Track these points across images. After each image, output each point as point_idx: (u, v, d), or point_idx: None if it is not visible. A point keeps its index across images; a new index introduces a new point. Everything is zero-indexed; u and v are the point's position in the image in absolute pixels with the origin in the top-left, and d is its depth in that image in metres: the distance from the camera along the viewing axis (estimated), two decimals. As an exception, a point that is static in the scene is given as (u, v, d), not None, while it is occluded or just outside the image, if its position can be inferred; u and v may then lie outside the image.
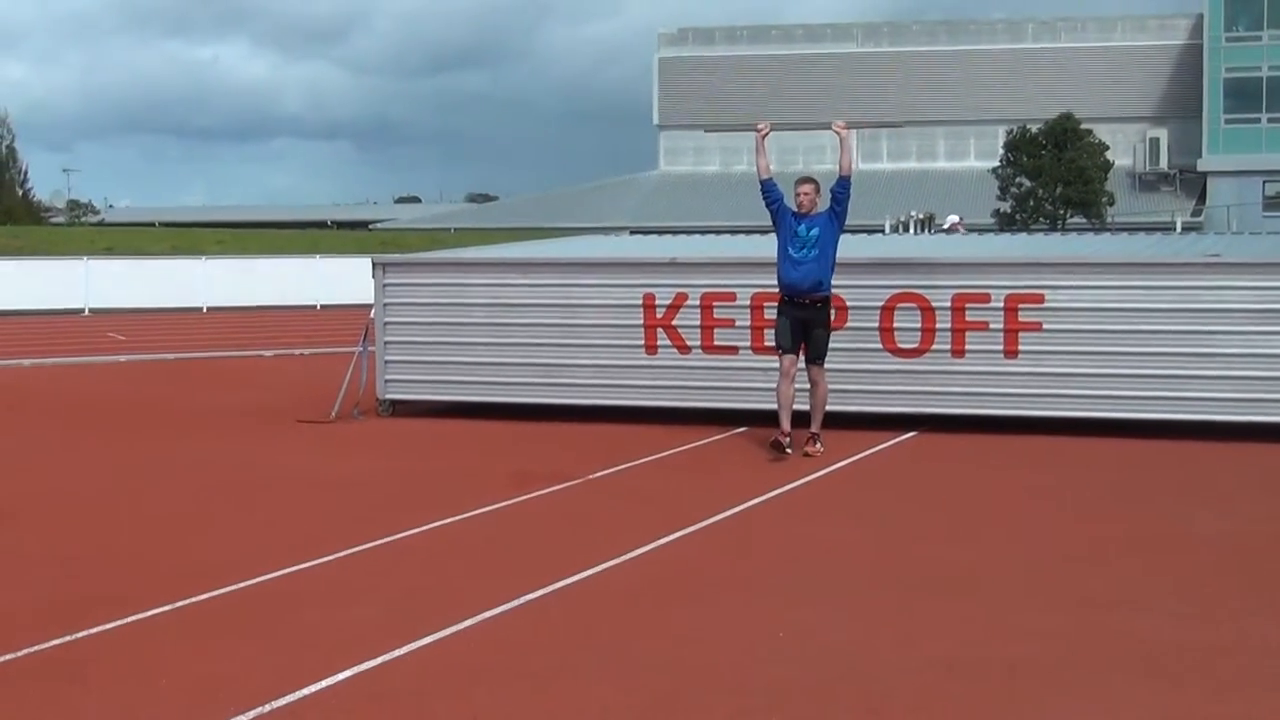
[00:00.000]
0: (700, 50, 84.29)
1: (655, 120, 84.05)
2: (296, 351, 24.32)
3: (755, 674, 6.26)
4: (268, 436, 14.06)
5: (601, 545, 8.75)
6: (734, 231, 26.93)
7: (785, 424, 12.10)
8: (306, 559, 8.43)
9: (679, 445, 12.90)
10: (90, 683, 6.21)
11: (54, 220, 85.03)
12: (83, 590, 7.88)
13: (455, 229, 70.96)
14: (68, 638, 6.82)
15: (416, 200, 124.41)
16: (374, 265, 15.47)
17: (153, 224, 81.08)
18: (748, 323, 13.93)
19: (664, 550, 8.80)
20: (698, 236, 20.62)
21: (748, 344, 13.95)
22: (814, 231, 12.10)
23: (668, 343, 14.23)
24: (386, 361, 15.13)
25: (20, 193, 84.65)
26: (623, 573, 8.24)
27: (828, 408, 12.46)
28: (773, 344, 12.82)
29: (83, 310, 36.07)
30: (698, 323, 14.12)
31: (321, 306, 36.19)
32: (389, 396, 15.16)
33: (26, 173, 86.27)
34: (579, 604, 7.58)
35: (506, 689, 6.07)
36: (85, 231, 67.34)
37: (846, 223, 12.51)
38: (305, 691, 5.98)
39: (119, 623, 7.11)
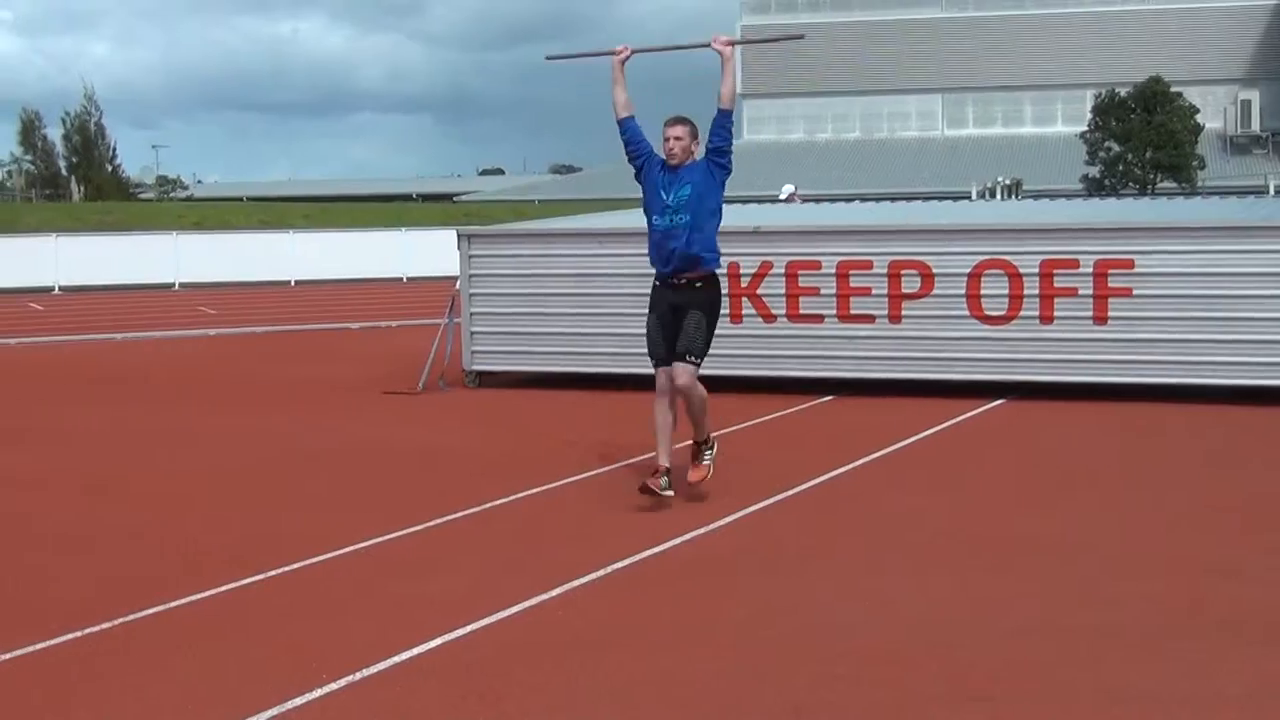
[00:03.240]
0: (783, 17, 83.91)
1: (739, 89, 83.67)
2: (383, 324, 24.47)
3: (837, 642, 6.23)
4: (355, 408, 14.16)
5: (684, 515, 8.75)
6: (818, 199, 26.81)
7: (662, 457, 9.10)
8: (394, 529, 8.48)
9: (763, 415, 12.86)
10: (188, 650, 6.29)
11: (143, 196, 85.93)
12: (171, 562, 7.98)
13: (539, 200, 71.18)
14: (161, 607, 6.91)
15: (500, 172, 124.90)
16: (459, 237, 15.50)
17: (240, 199, 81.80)
18: (833, 291, 13.86)
19: (747, 520, 8.78)
20: (782, 204, 20.53)
21: (833, 312, 13.87)
22: (685, 190, 9.02)
23: (752, 311, 14.17)
24: (472, 333, 15.19)
25: (110, 169, 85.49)
26: (706, 543, 8.23)
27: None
28: (860, 312, 12.71)
29: (173, 285, 36.46)
30: (783, 291, 14.06)
31: (407, 279, 36.35)
32: (475, 368, 15.22)
33: (115, 149, 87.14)
34: (662, 574, 7.58)
35: (591, 658, 6.08)
36: (174, 207, 68.02)
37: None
38: (395, 660, 6.03)
39: (209, 593, 7.19)
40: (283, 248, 39.31)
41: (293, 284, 36.79)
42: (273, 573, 7.57)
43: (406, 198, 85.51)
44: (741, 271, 14.10)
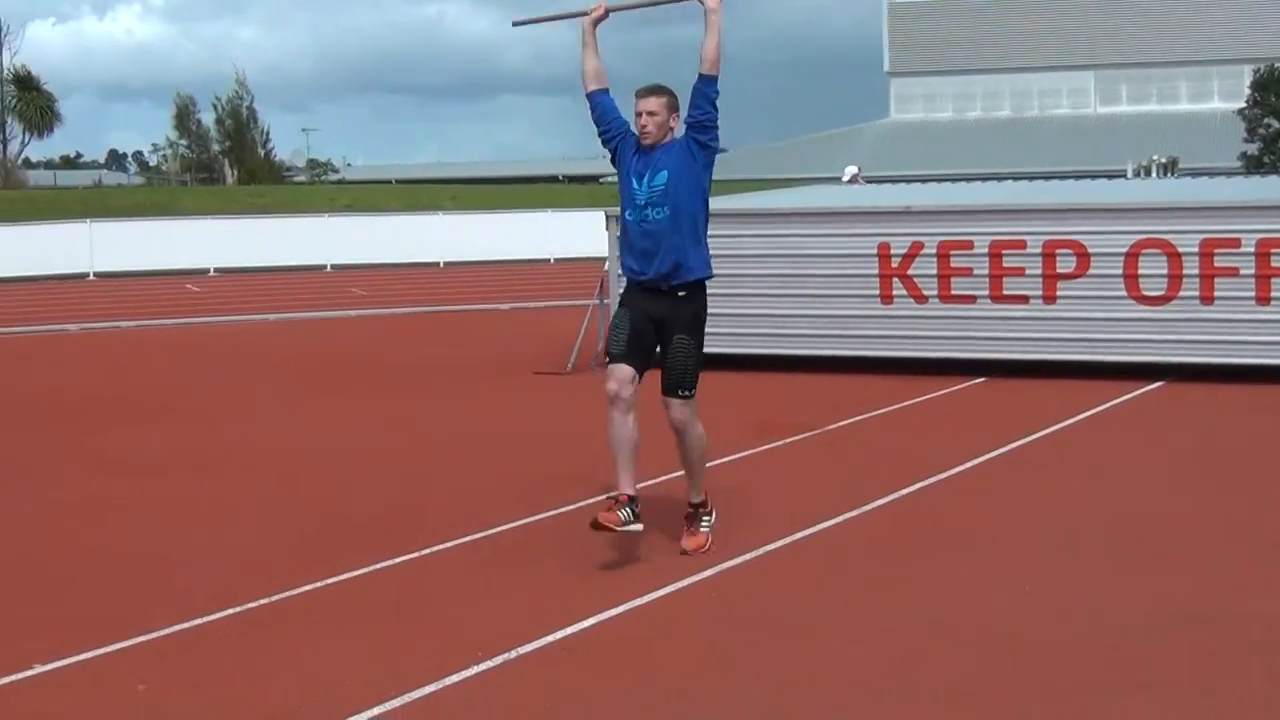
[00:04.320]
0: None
1: (886, 68, 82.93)
2: (531, 305, 24.61)
3: (994, 628, 6.17)
4: (506, 389, 14.27)
5: (840, 497, 8.71)
6: (969, 178, 26.51)
7: (623, 482, 7.35)
8: (541, 510, 8.55)
9: (916, 396, 12.75)
10: (343, 624, 6.40)
11: (295, 179, 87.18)
12: (325, 540, 8.11)
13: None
14: (317, 584, 7.03)
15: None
16: (607, 218, 15.43)
17: (389, 181, 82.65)
18: (986, 271, 13.67)
19: (902, 503, 8.72)
20: (932, 184, 20.32)
21: (986, 293, 13.69)
22: (661, 176, 7.31)
23: (904, 292, 14.03)
24: (621, 313, 15.17)
25: (262, 153, 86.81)
26: (861, 526, 8.20)
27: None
28: (1014, 292, 12.46)
29: (325, 267, 36.98)
30: (934, 272, 13.90)
31: (555, 260, 36.50)
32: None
33: (268, 133, 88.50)
34: (817, 556, 7.57)
35: (746, 639, 6.08)
36: (325, 190, 68.86)
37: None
38: (550, 638, 6.08)
39: (364, 570, 7.31)
40: (431, 230, 39.64)
41: (441, 265, 37.12)
42: (425, 551, 7.68)
43: (553, 179, 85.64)
44: (892, 252, 13.97)
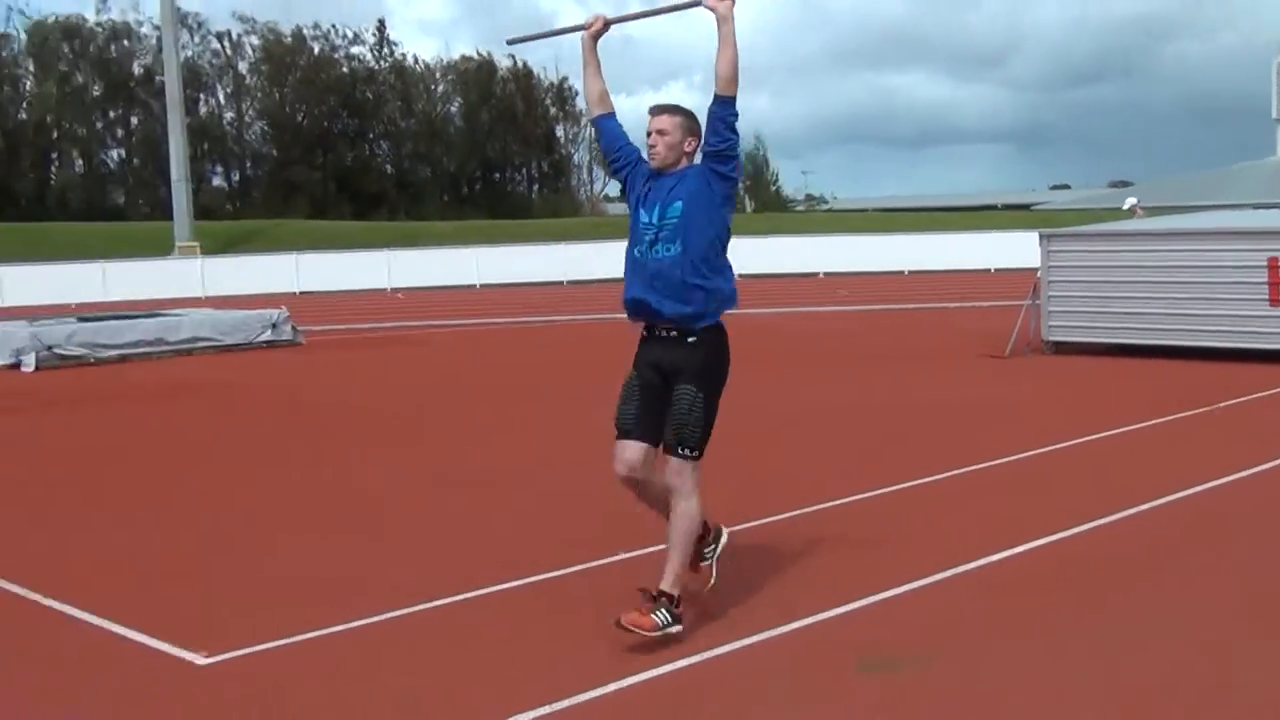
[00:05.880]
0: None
1: (1273, 114, 76.12)
2: (974, 304, 24.06)
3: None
4: (956, 367, 14.04)
5: (1208, 464, 8.04)
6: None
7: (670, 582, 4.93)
8: (993, 458, 8.36)
9: (1298, 381, 11.75)
10: (760, 557, 6.48)
11: (796, 209, 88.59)
12: (779, 484, 8.16)
13: (1100, 208, 67.57)
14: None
15: (1067, 187, 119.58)
16: (1041, 237, 15.08)
17: (864, 210, 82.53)
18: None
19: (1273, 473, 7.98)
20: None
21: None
22: (675, 207, 4.90)
23: (1289, 297, 12.97)
24: (1050, 311, 14.73)
25: (773, 189, 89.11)
26: (1223, 495, 7.43)
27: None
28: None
29: (818, 274, 37.27)
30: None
31: (994, 270, 35.53)
32: (1052, 339, 14.76)
33: (777, 175, 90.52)
34: (1172, 524, 6.93)
35: (1124, 588, 5.80)
36: (818, 216, 69.78)
37: None
38: (906, 588, 5.66)
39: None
40: (897, 246, 39.56)
41: (906, 274, 36.82)
42: (879, 492, 7.58)
43: (991, 208, 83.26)
44: (1280, 264, 12.95)
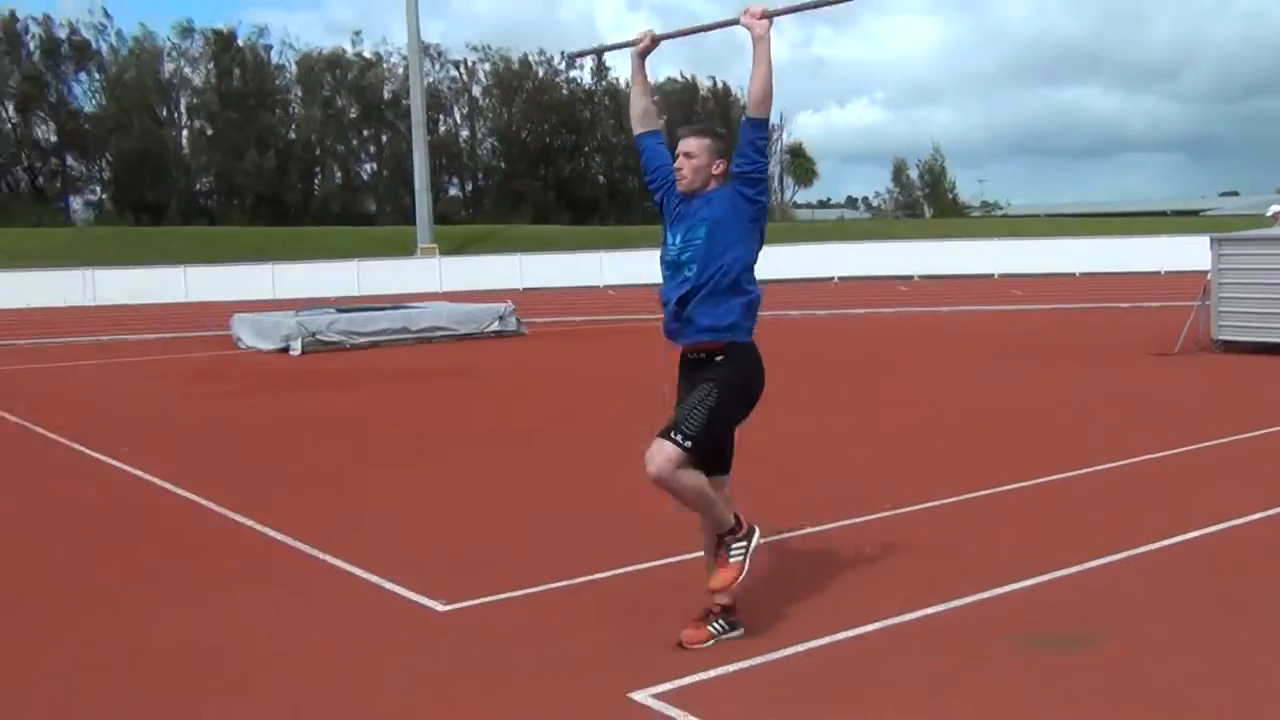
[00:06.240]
0: None
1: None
2: (1146, 305, 22.96)
3: None
4: (1126, 363, 13.40)
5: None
6: None
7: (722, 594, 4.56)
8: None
9: None
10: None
11: (972, 214, 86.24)
12: (955, 469, 7.99)
13: (1270, 213, 63.55)
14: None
15: (1235, 194, 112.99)
16: (1212, 240, 14.31)
17: (1038, 215, 79.66)
18: None
19: None
20: None
21: None
22: (699, 231, 4.38)
23: None
24: (1219, 311, 13.97)
25: (950, 197, 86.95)
26: None
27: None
28: None
29: (992, 275, 36.17)
30: None
31: (1165, 272, 33.83)
32: (1221, 337, 14.00)
33: (954, 183, 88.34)
34: None
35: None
36: (992, 221, 67.80)
37: None
38: (1074, 569, 5.59)
39: (955, 499, 7.10)
40: (1069, 248, 38.13)
41: (1077, 275, 35.39)
42: (1065, 475, 7.34)
43: (1161, 214, 79.29)
44: None
